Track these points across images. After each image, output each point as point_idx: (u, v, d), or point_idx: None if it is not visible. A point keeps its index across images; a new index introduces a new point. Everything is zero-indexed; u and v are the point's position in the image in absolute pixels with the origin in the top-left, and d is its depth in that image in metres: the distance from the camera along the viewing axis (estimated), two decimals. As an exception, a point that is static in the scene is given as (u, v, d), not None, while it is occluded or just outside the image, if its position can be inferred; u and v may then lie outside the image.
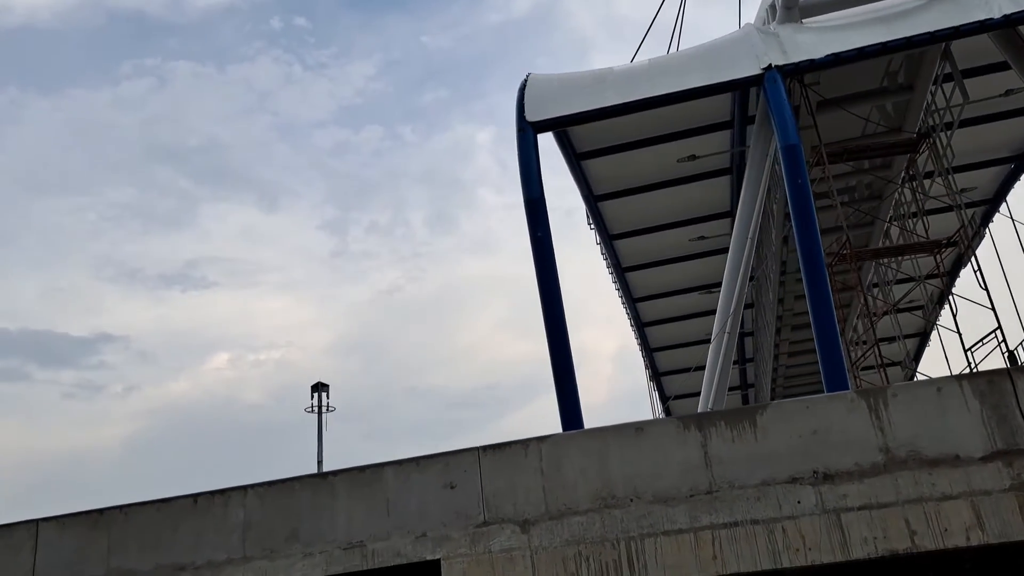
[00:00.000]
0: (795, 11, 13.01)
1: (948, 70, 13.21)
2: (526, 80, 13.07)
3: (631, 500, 7.41)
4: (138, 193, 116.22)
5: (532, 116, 12.28)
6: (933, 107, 14.02)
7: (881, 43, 11.78)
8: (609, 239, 19.26)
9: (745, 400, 37.84)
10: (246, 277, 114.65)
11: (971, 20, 11.33)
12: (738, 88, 12.60)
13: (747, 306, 26.90)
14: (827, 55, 11.89)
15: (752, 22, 15.76)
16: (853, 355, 26.75)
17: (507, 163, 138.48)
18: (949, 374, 10.97)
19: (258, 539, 8.08)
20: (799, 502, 7.07)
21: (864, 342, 24.22)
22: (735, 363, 34.48)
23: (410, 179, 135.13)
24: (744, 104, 14.91)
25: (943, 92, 13.98)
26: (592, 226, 18.80)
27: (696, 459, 7.41)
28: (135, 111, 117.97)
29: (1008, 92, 14.14)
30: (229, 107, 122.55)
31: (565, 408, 11.98)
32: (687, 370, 33.26)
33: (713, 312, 27.12)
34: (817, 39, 12.17)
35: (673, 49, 17.79)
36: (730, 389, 39.25)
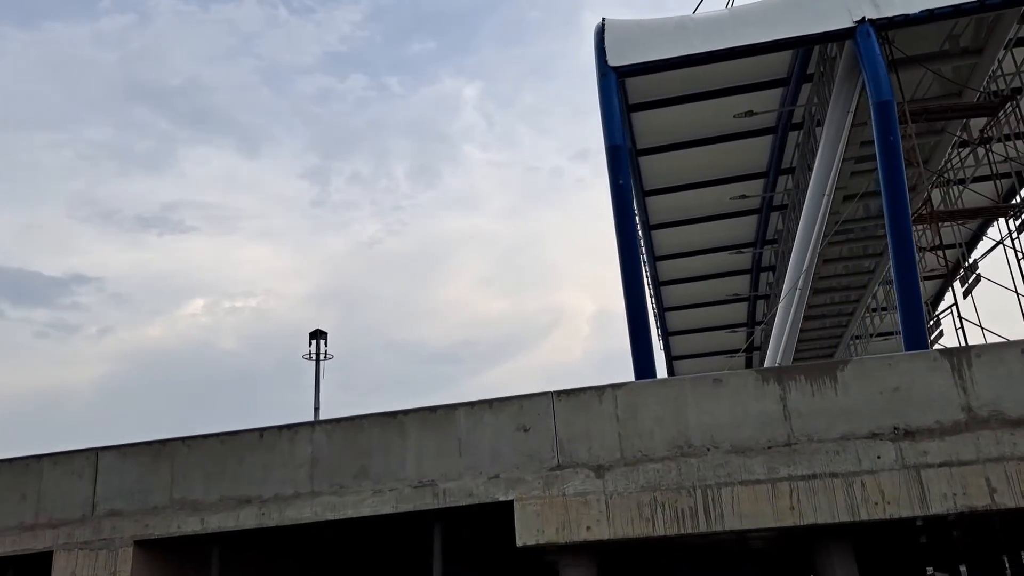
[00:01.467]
0: None
1: (1021, 34, 13.06)
2: (603, 24, 12.75)
3: (708, 449, 7.43)
4: (116, 132, 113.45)
5: (615, 61, 12.02)
6: (999, 72, 13.87)
7: (979, 0, 11.57)
8: (643, 195, 19.12)
9: (748, 363, 38.03)
10: (225, 223, 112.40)
11: None
12: (831, 40, 12.33)
13: (765, 269, 26.91)
14: (922, 11, 11.64)
15: None
16: (869, 323, 26.94)
17: (494, 119, 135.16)
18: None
19: (326, 474, 8.09)
20: (879, 457, 7.11)
21: (883, 308, 24.39)
22: (743, 326, 34.71)
23: (394, 131, 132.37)
24: (805, 62, 14.69)
25: (1013, 57, 13.80)
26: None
27: (775, 412, 7.42)
28: (114, 48, 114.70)
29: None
30: (212, 48, 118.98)
31: (639, 358, 12.00)
32: (697, 331, 33.41)
33: (735, 273, 27.34)
34: None
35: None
36: (732, 353, 39.50)
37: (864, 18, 11.56)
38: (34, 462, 8.87)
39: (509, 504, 7.70)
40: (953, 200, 14.96)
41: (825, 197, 12.75)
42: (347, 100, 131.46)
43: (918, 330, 10.34)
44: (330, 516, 7.95)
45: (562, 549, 7.49)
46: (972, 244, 23.89)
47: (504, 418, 7.94)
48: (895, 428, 7.18)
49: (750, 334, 35.85)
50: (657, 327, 34.75)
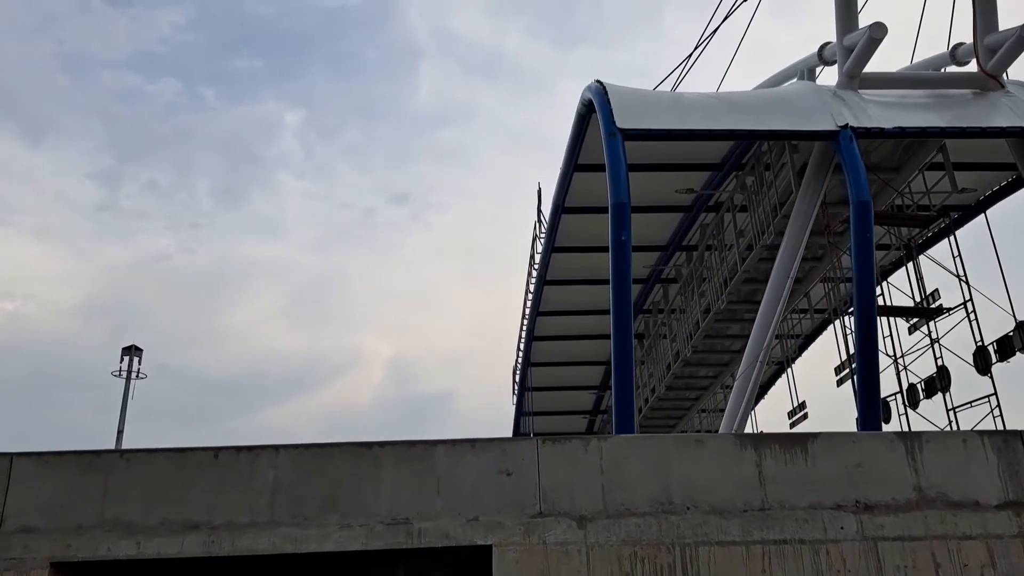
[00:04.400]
0: (856, 81, 14.14)
1: (938, 159, 15.00)
2: (603, 86, 13.15)
3: (688, 508, 7.64)
4: None
5: (622, 123, 12.39)
6: (907, 190, 15.72)
7: (940, 127, 13.12)
8: (551, 251, 19.60)
9: (591, 425, 39.30)
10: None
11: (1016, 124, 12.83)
12: (816, 139, 13.45)
13: (640, 336, 28.08)
14: (895, 127, 13.03)
15: (777, 74, 16.96)
16: (721, 399, 28.70)
17: (313, 149, 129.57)
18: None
19: (289, 504, 7.54)
20: (842, 528, 7.62)
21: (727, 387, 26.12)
22: (594, 389, 35.93)
23: (204, 144, 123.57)
24: (743, 153, 15.89)
25: (924, 178, 15.70)
26: (543, 235, 19.09)
27: (751, 476, 7.78)
28: None
29: (963, 190, 16.22)
30: (4, 22, 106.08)
31: (621, 413, 12.12)
32: (551, 388, 34.18)
33: (601, 336, 28.31)
34: (881, 111, 13.33)
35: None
36: (580, 412, 40.59)
37: (847, 124, 12.80)
38: (-75, 463, 7.62)
39: (485, 549, 7.51)
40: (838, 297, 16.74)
41: (789, 279, 13.79)
42: (155, 104, 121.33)
43: (874, 412, 11.30)
44: (290, 549, 7.39)
45: (539, 599, 7.36)
46: (813, 336, 26.39)
47: (486, 460, 7.78)
48: (857, 501, 7.74)
49: (600, 397, 37.20)
50: (515, 381, 35.29)
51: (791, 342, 23.46)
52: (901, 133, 13.25)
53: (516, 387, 33.72)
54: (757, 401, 33.60)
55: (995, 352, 16.56)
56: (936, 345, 15.35)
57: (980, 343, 16.59)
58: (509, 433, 37.12)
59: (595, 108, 12.88)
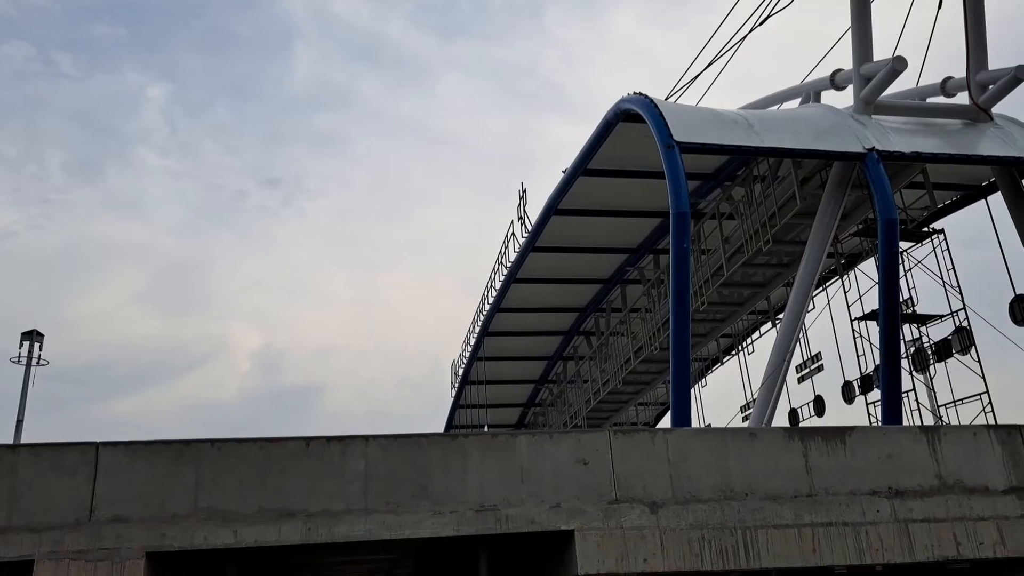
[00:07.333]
0: (871, 107, 15.16)
1: (917, 179, 16.37)
2: (650, 99, 13.60)
3: (746, 495, 8.38)
4: None
5: (679, 136, 12.89)
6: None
7: (949, 153, 14.29)
8: (531, 250, 20.10)
9: (523, 417, 40.11)
10: None
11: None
12: (846, 159, 14.35)
13: (589, 333, 28.92)
14: (912, 151, 14.08)
15: (780, 92, 17.96)
16: (662, 393, 29.92)
17: (178, 126, 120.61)
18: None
19: (382, 492, 7.82)
20: (878, 511, 8.53)
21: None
22: (534, 382, 36.70)
23: (57, 114, 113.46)
24: (739, 166, 16.85)
25: (901, 195, 17.07)
26: (524, 235, 19.60)
27: (799, 466, 8.59)
28: None
29: (927, 208, 17.77)
30: None
31: (679, 407, 12.66)
32: (493, 382, 34.73)
33: (553, 333, 29.12)
34: (896, 136, 14.37)
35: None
36: (515, 405, 41.15)
37: (873, 147, 13.80)
38: (6, 452, 7.50)
39: (562, 534, 8.02)
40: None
41: (812, 285, 14.74)
42: (2, 69, 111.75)
43: (896, 407, 12.30)
44: (386, 535, 7.68)
45: (619, 579, 7.92)
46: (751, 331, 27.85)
47: (564, 450, 8.28)
48: (889, 488, 8.67)
49: (538, 390, 38.02)
50: (456, 374, 35.63)
51: (743, 340, 24.95)
52: (918, 157, 14.51)
53: (458, 380, 34.09)
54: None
55: (933, 354, 18.24)
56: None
57: (919, 345, 18.21)
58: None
59: (644, 119, 13.39)
